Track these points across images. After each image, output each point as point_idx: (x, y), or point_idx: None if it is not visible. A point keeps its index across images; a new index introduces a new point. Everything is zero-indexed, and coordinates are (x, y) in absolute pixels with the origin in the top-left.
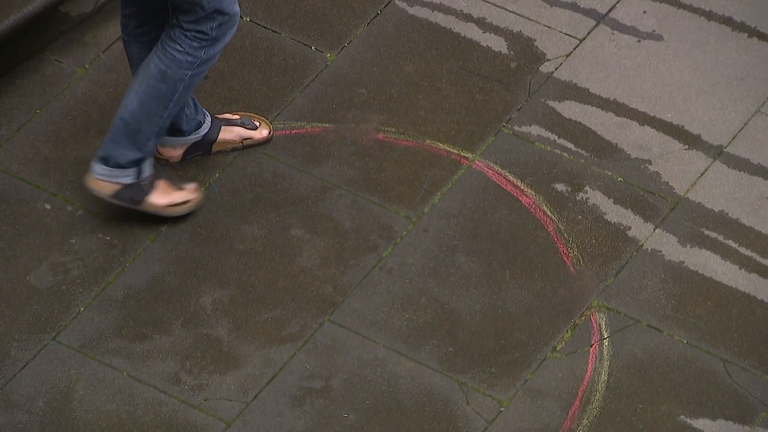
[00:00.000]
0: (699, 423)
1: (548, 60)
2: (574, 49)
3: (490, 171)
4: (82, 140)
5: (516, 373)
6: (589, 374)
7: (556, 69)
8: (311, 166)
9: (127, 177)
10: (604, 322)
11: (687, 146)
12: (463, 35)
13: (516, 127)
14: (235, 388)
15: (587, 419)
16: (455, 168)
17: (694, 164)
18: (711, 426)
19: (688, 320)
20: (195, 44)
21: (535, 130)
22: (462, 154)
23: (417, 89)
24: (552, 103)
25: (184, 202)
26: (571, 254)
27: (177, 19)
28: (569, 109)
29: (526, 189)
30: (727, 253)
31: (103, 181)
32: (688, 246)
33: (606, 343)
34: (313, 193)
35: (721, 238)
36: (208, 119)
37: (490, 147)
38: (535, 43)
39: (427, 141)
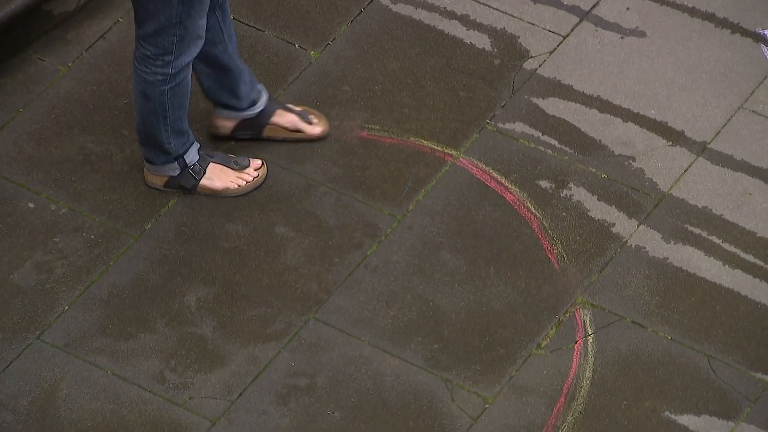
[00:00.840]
0: (683, 419)
1: (532, 57)
2: (558, 45)
3: (474, 168)
4: (65, 139)
5: (501, 370)
6: (573, 371)
7: (539, 66)
8: (295, 163)
9: (172, 170)
10: (588, 319)
11: (670, 143)
12: (446, 32)
13: (500, 124)
14: (220, 387)
15: (572, 416)
16: (439, 165)
17: (677, 160)
18: (695, 422)
19: (672, 316)
20: (158, 63)
21: (519, 127)
22: (446, 151)
23: (401, 87)
24: (536, 100)
25: (241, 185)
26: (556, 251)
27: (139, 34)
28: (553, 106)
29: (510, 186)
30: (711, 249)
31: (153, 174)
32: (672, 242)
33: (590, 340)
34: (297, 190)
35: (704, 234)
36: (264, 98)
37: (474, 144)
38: (519, 40)
39: (411, 138)
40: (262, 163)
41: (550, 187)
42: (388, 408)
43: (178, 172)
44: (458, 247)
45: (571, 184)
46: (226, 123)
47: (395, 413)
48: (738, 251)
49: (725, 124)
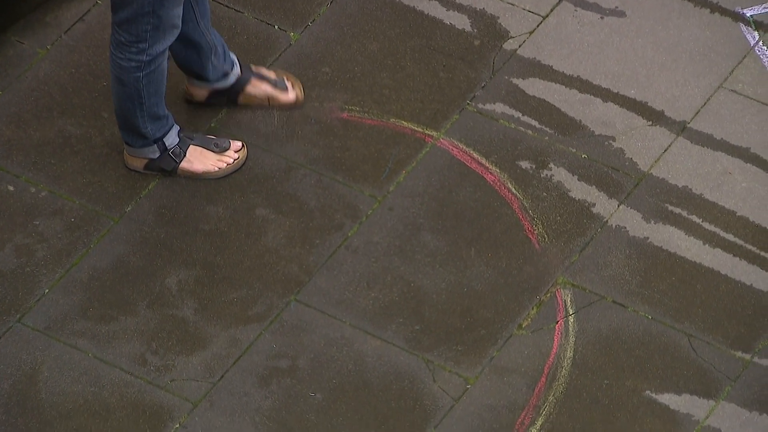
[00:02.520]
0: (664, 398)
1: (512, 37)
2: (538, 26)
3: (454, 149)
4: (44, 121)
5: (482, 350)
6: (554, 351)
7: (519, 46)
8: (275, 145)
9: (152, 152)
10: (569, 299)
11: (650, 122)
12: (426, 13)
13: (480, 105)
14: (202, 369)
15: (553, 395)
16: (420, 146)
17: (657, 140)
18: (676, 401)
19: (652, 296)
20: (133, 50)
21: (499, 107)
22: (426, 132)
23: (381, 68)
24: (516, 81)
25: (222, 167)
26: (536, 231)
27: (114, 20)
28: (533, 87)
29: (490, 166)
30: (691, 229)
31: (133, 157)
32: (653, 222)
33: (571, 320)
34: (277, 172)
35: (684, 213)
36: (236, 69)
37: (455, 125)
38: (499, 21)
39: (391, 119)
40: (243, 145)
41: (531, 167)
42: (370, 389)
43: (157, 154)
44: (439, 228)
45: (552, 165)
46: (199, 91)
47: (377, 394)
48: (718, 230)
49: (705, 104)
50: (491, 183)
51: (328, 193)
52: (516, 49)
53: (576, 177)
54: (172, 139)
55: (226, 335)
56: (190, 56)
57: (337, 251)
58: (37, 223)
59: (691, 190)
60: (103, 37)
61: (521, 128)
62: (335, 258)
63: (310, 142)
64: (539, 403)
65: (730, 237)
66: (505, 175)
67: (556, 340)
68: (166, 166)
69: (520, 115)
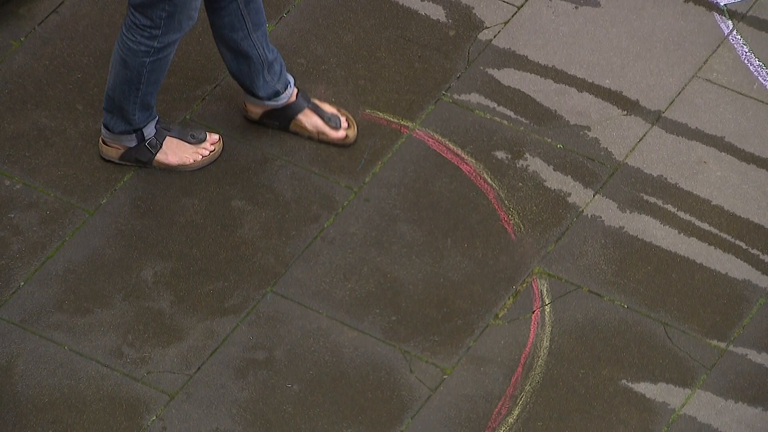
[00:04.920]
0: (640, 387)
1: (487, 28)
2: (512, 16)
3: (430, 140)
4: (18, 114)
5: (459, 340)
6: (531, 340)
7: (494, 37)
8: (251, 136)
9: (129, 141)
10: (545, 289)
11: (625, 112)
12: (401, 4)
13: (455, 96)
14: (178, 361)
15: (530, 385)
16: (395, 137)
17: (632, 129)
18: (652, 389)
19: (628, 285)
20: (145, 34)
21: (474, 98)
22: (402, 123)
23: (356, 59)
24: (491, 71)
25: (197, 160)
26: (512, 221)
27: (131, 1)
28: (508, 77)
29: (466, 157)
30: (666, 218)
31: (108, 145)
32: (628, 211)
33: (547, 310)
34: (253, 164)
35: (660, 202)
36: (289, 91)
37: (430, 115)
38: (474, 11)
39: (367, 110)
40: (219, 138)
41: (506, 157)
42: (347, 380)
43: (134, 143)
44: (415, 218)
45: (527, 155)
46: (254, 109)
47: (354, 385)
48: (693, 219)
49: (679, 93)
50: (467, 173)
51: (304, 184)
52: (491, 40)
53: (551, 167)
54: (149, 130)
55: (203, 327)
56: (242, 68)
57: (314, 242)
58: (12, 216)
59: (666, 179)
60: (77, 28)
61: (497, 119)
62: (311, 249)
63: (285, 133)
64: (516, 393)
65: (705, 226)
66: (481, 166)
67: (532, 329)
68: (142, 157)
69: (496, 105)
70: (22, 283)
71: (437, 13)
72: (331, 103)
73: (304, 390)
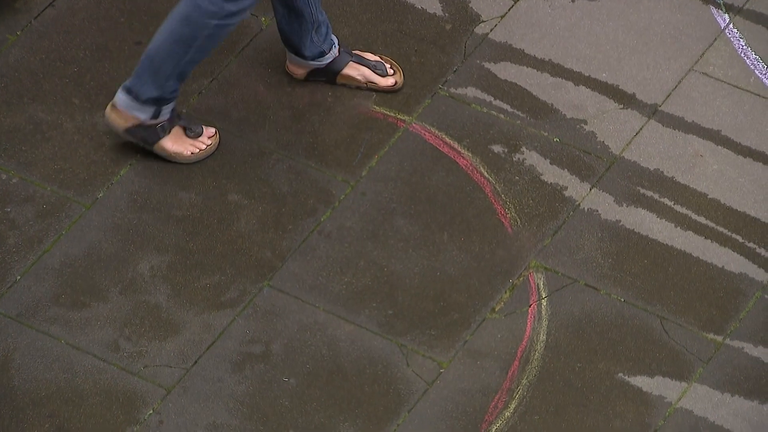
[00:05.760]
0: (637, 380)
1: (483, 21)
2: (509, 10)
3: (426, 133)
4: (14, 108)
5: (455, 334)
6: (527, 334)
7: (491, 30)
8: (248, 130)
9: (144, 113)
10: (542, 282)
11: (622, 105)
12: None
13: (452, 89)
14: (175, 355)
15: (526, 379)
16: (392, 131)
17: (629, 123)
18: (649, 383)
19: (624, 278)
20: None
21: (471, 91)
22: (399, 116)
23: None
24: (487, 65)
25: (195, 152)
26: (509, 215)
27: None
28: (505, 71)
29: (463, 151)
30: (662, 211)
31: (121, 111)
32: (624, 205)
33: (544, 303)
34: (250, 158)
35: (656, 196)
36: (335, 50)
37: (427, 109)
38: (470, 5)
39: (363, 104)
40: (215, 132)
41: (503, 151)
42: (344, 374)
43: (148, 119)
44: (412, 212)
45: (524, 148)
46: (298, 70)
47: (350, 379)
48: (689, 213)
49: (676, 87)
50: (464, 167)
51: (300, 178)
52: (487, 33)
53: (548, 161)
54: (166, 112)
55: (199, 321)
56: (293, 25)
57: (310, 236)
58: (9, 210)
59: (662, 172)
60: (73, 22)
61: (493, 112)
62: (308, 243)
63: (282, 127)
64: (512, 387)
65: (701, 219)
66: (478, 160)
67: (529, 323)
68: (149, 137)
69: (492, 99)
70: (19, 277)
71: (434, 6)
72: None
73: (301, 384)
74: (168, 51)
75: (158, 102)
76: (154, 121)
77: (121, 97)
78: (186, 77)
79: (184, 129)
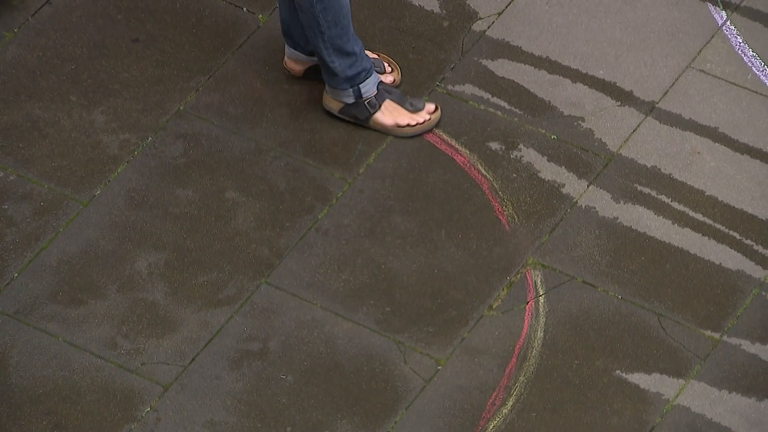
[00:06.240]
0: (634, 377)
1: (480, 18)
2: (506, 7)
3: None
4: (12, 105)
5: (453, 331)
6: (525, 331)
7: (488, 27)
8: (245, 128)
9: (347, 97)
10: (539, 280)
11: (619, 102)
12: None
13: (449, 86)
14: (172, 352)
15: (524, 376)
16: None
17: (626, 120)
18: (646, 380)
19: (622, 275)
20: None
21: (468, 89)
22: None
23: None
24: (485, 62)
25: (414, 125)
26: (506, 212)
27: None
28: (502, 68)
29: (460, 148)
30: (660, 208)
31: (331, 98)
32: (622, 202)
33: (542, 300)
34: (247, 155)
35: (654, 193)
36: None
37: None
38: (467, 2)
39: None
40: (436, 107)
41: (501, 148)
42: (341, 371)
43: (352, 100)
44: (409, 209)
45: (521, 146)
46: (296, 66)
47: (348, 376)
48: (687, 210)
49: (673, 84)
50: (461, 164)
51: (298, 175)
52: (485, 30)
53: (545, 158)
54: (368, 88)
55: (197, 318)
56: (295, 18)
57: (308, 234)
58: (6, 207)
59: (660, 170)
60: (71, 19)
61: (491, 109)
62: (306, 240)
63: (279, 124)
64: (510, 384)
65: (699, 216)
66: (475, 157)
67: (526, 320)
68: (360, 115)
69: (490, 96)
70: (16, 275)
71: (431, 3)
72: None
73: (299, 381)
74: (312, 38)
75: (349, 82)
76: (360, 100)
77: (327, 86)
78: (345, 49)
79: (399, 103)
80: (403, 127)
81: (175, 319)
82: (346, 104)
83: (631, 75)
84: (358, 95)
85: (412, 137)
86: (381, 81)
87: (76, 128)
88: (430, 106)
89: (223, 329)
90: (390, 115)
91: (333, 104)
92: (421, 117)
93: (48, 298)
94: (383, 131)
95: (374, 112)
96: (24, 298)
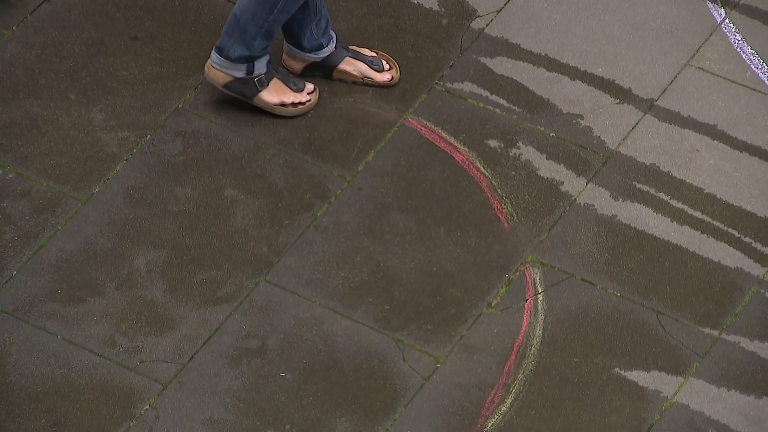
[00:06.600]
0: (633, 375)
1: (479, 16)
2: (505, 5)
3: (423, 128)
4: (10, 103)
5: (452, 329)
6: (524, 329)
7: (487, 25)
8: (244, 125)
9: (238, 71)
10: (538, 277)
11: (618, 100)
12: None
13: (448, 84)
14: (171, 350)
15: (523, 373)
16: (388, 126)
17: (625, 118)
18: (645, 377)
19: (621, 273)
20: None
21: (467, 86)
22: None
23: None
24: (484, 60)
25: (296, 104)
26: (505, 210)
27: None
28: (501, 65)
29: (459, 146)
30: (659, 206)
31: (217, 70)
32: (621, 199)
33: (540, 298)
34: (246, 153)
35: (652, 191)
36: (332, 45)
37: (423, 104)
38: (466, 0)
39: (360, 100)
40: (314, 88)
41: (499, 146)
42: (340, 369)
43: (242, 75)
44: (408, 207)
45: (520, 143)
46: (294, 64)
47: (347, 374)
48: (686, 207)
49: (672, 81)
50: (460, 162)
51: (296, 173)
52: (483, 28)
53: (544, 155)
54: (260, 66)
55: (196, 316)
56: (295, 14)
57: (307, 231)
58: (5, 205)
59: (658, 167)
60: (69, 17)
61: (489, 107)
62: (304, 238)
63: (278, 122)
64: (509, 381)
65: (697, 214)
66: (474, 154)
67: (525, 318)
68: (247, 91)
69: (489, 94)
70: (15, 273)
71: (430, 1)
72: (369, 48)
73: (298, 379)
74: (252, 12)
75: (249, 60)
76: (249, 77)
77: (214, 57)
78: (273, 35)
79: (284, 82)
80: (287, 106)
81: (174, 317)
82: (235, 78)
83: (629, 72)
84: (251, 71)
85: (291, 117)
86: (270, 59)
87: (74, 126)
88: (309, 86)
89: (222, 327)
90: (276, 93)
91: (219, 77)
92: (304, 97)
93: (47, 296)
94: (264, 108)
95: (261, 90)
96: (23, 296)
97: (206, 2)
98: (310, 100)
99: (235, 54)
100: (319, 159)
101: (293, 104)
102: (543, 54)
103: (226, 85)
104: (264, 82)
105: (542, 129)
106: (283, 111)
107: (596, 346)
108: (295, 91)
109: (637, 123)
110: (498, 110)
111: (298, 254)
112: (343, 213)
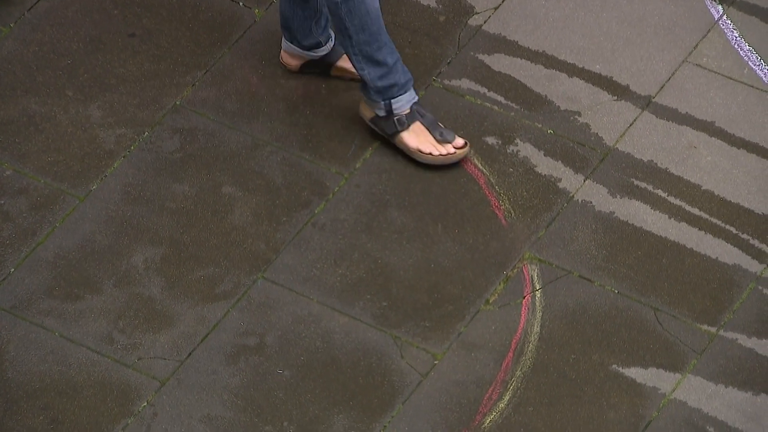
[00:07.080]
0: (631, 371)
1: (477, 13)
2: (503, 1)
3: None
4: (8, 100)
5: (449, 326)
6: (521, 326)
7: (484, 22)
8: (241, 122)
9: (378, 109)
10: (536, 274)
11: (616, 97)
12: None
13: (446, 81)
14: (169, 347)
15: (521, 370)
16: None
17: (623, 115)
18: (643, 374)
19: (618, 270)
20: None
21: (465, 83)
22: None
23: None
24: (481, 57)
25: (434, 154)
26: (503, 207)
27: None
28: (498, 62)
29: None
30: (656, 203)
31: (364, 105)
32: (618, 196)
33: (538, 295)
34: (244, 150)
35: (650, 188)
36: (329, 44)
37: (421, 101)
38: None
39: (357, 96)
40: (465, 144)
41: (497, 143)
42: (338, 366)
43: (383, 113)
44: (406, 204)
45: (518, 140)
46: (292, 61)
47: (345, 371)
48: (683, 204)
49: (669, 78)
50: None
51: (294, 170)
52: (481, 25)
53: (542, 152)
54: (401, 105)
55: (194, 313)
56: (295, 11)
57: (304, 228)
58: (2, 202)
59: (656, 164)
60: (67, 14)
61: (487, 104)
62: (302, 235)
63: (276, 119)
64: (507, 378)
65: (695, 211)
66: (472, 151)
67: (523, 315)
68: (387, 129)
69: (486, 90)
70: (13, 270)
71: None
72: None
73: (295, 376)
74: (341, 42)
75: (380, 93)
76: (389, 115)
77: (362, 92)
78: (378, 59)
79: (429, 129)
80: (425, 154)
81: (172, 314)
82: (377, 115)
83: (627, 69)
84: (389, 110)
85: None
86: (417, 101)
87: (72, 123)
88: (459, 141)
89: (220, 324)
90: (416, 138)
91: (366, 112)
92: (445, 149)
93: (44, 293)
94: (404, 151)
95: (401, 131)
96: (20, 293)
97: None
98: (455, 153)
99: (364, 91)
100: (316, 156)
101: (431, 154)
102: (541, 51)
103: (371, 120)
104: (405, 123)
105: (540, 126)
106: (419, 157)
107: (594, 343)
108: (439, 141)
109: (634, 120)
110: (496, 107)
111: (296, 251)
112: (341, 210)
